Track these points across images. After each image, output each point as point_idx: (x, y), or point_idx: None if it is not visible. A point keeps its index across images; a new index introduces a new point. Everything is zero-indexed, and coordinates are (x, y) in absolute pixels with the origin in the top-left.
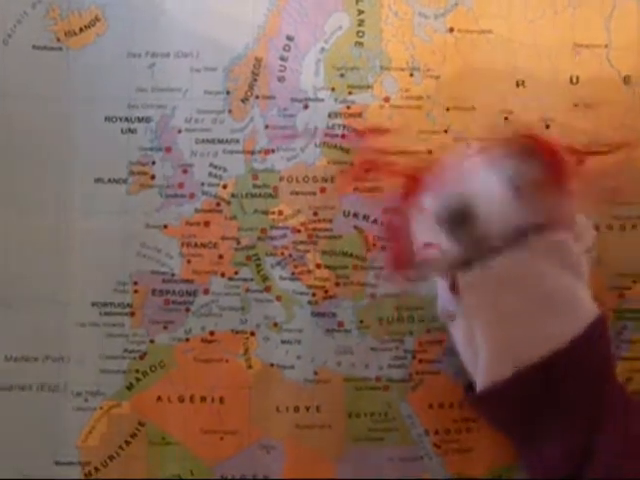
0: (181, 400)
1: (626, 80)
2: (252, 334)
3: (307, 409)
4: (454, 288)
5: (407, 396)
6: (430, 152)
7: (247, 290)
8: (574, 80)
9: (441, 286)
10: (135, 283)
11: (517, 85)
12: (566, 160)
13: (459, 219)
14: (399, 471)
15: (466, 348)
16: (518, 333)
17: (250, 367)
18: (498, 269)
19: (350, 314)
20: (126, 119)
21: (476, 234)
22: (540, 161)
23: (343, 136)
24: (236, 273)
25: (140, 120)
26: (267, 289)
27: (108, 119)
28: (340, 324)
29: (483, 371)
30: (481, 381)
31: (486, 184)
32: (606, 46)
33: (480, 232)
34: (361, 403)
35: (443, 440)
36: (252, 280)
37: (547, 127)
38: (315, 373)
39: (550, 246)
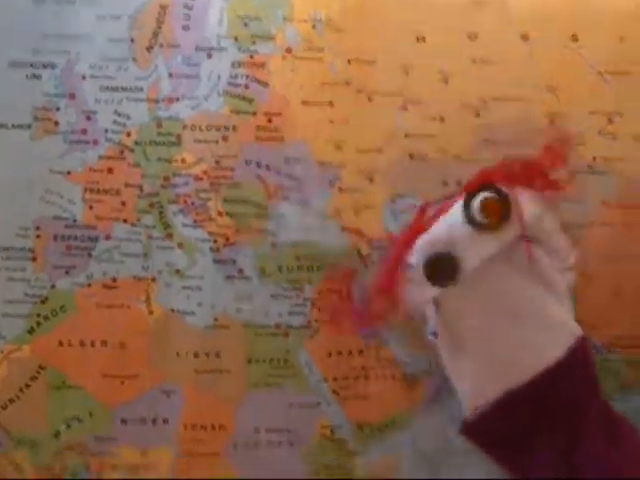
0: (82, 344)
1: (524, 37)
2: (153, 280)
3: (207, 355)
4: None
5: (306, 343)
6: (331, 104)
7: (149, 237)
8: (473, 36)
9: (429, 308)
10: (37, 228)
11: (417, 40)
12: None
13: (438, 267)
14: (298, 417)
15: (452, 368)
16: (500, 353)
17: (151, 313)
18: (475, 285)
19: (250, 261)
20: (31, 65)
21: (456, 274)
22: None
23: (246, 86)
24: (138, 220)
25: (45, 66)
26: (169, 236)
27: (13, 65)
28: (240, 271)
29: (469, 392)
30: (467, 403)
31: (456, 225)
32: (504, 3)
33: (460, 271)
34: (260, 349)
35: (341, 387)
36: (154, 227)
37: (446, 82)
38: (215, 319)
39: (522, 259)
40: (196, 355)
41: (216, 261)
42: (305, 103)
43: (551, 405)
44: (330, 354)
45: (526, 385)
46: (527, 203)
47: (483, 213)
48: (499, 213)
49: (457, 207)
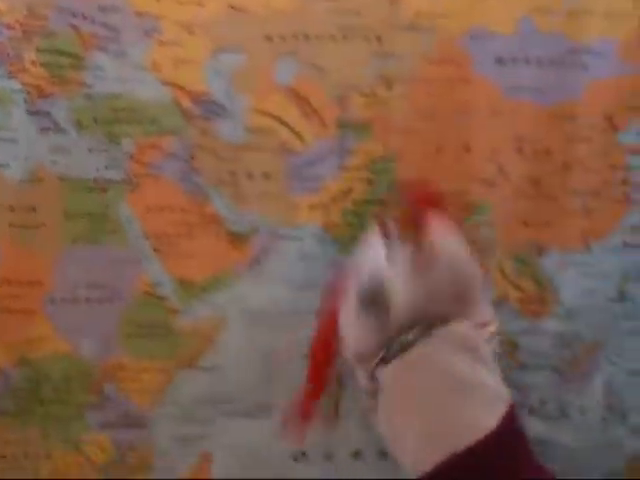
0: None
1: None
2: None
3: (22, 209)
4: (374, 390)
5: (125, 198)
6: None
7: None
8: None
9: (360, 376)
10: None
11: None
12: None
13: (371, 299)
14: (119, 273)
15: (391, 439)
16: (438, 423)
17: None
18: (412, 358)
19: (66, 114)
20: None
21: (388, 314)
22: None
23: None
24: None
25: None
26: None
27: None
28: (56, 124)
29: (408, 456)
30: (407, 463)
31: (379, 263)
32: None
33: (391, 311)
34: (78, 204)
35: (163, 243)
36: None
37: None
38: (30, 173)
39: (455, 338)
40: (11, 209)
41: (30, 113)
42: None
43: (488, 473)
44: (150, 209)
45: (464, 454)
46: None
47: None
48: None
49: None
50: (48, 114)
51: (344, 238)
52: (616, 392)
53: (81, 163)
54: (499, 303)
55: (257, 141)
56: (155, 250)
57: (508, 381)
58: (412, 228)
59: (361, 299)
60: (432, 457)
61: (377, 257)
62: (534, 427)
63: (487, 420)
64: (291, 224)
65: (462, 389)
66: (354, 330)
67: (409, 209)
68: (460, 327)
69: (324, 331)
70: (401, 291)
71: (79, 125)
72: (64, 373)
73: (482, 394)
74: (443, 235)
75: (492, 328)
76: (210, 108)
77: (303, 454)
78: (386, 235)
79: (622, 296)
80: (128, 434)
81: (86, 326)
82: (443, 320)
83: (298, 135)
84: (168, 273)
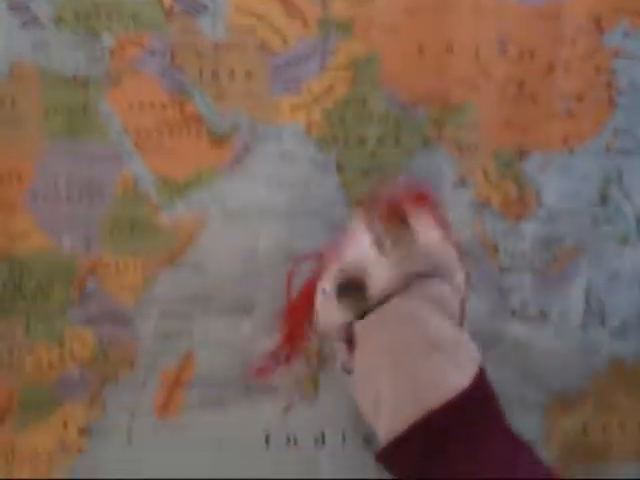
0: None
1: None
2: None
3: (2, 104)
4: (350, 343)
5: (106, 94)
6: None
7: None
8: None
9: (338, 344)
10: None
11: None
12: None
13: (348, 289)
14: (99, 170)
15: (364, 402)
16: (411, 380)
17: None
18: (389, 311)
19: (46, 8)
20: None
21: (365, 297)
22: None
23: None
24: None
25: None
26: None
27: None
28: (35, 18)
29: (384, 421)
30: (382, 431)
31: (362, 250)
32: None
33: (368, 294)
34: (58, 100)
35: (144, 140)
36: None
37: None
38: (10, 68)
39: (432, 294)
40: None
41: (11, 7)
42: None
43: (461, 432)
44: (132, 106)
45: (438, 413)
46: (432, 232)
47: (390, 239)
48: (406, 241)
49: (363, 231)
50: (28, 8)
51: (325, 138)
52: (596, 296)
53: (61, 58)
54: (482, 206)
55: (239, 40)
56: (136, 147)
57: (490, 283)
58: (395, 218)
59: (339, 285)
60: (407, 417)
61: (360, 243)
62: (515, 330)
63: (460, 379)
64: (272, 123)
65: (436, 345)
66: (327, 312)
67: (393, 203)
68: (436, 285)
69: (302, 297)
70: (380, 277)
71: (59, 20)
72: (46, 269)
73: (455, 352)
74: (423, 225)
75: (463, 291)
76: (191, 5)
77: None
78: (371, 222)
79: (604, 200)
80: (111, 330)
81: (67, 222)
82: (419, 279)
83: (280, 34)
84: (149, 170)
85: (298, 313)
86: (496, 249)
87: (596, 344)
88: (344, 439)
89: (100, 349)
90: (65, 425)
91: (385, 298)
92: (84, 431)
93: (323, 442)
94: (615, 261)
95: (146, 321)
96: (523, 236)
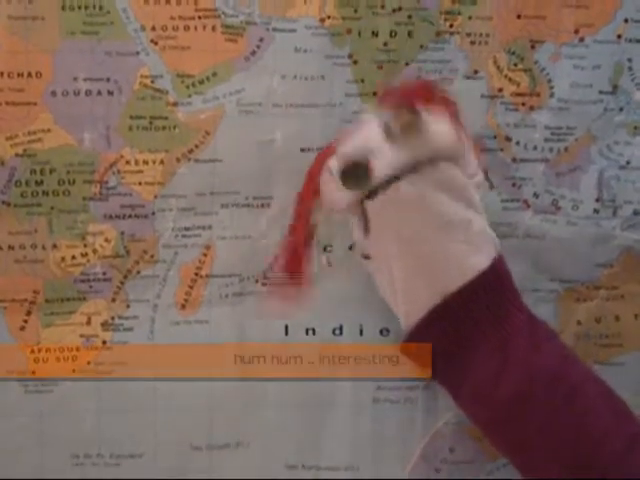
0: None
1: None
2: None
3: (19, 0)
4: (366, 227)
5: None
6: None
7: None
8: None
9: (355, 230)
10: None
11: None
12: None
13: (351, 169)
14: (117, 66)
15: (383, 287)
16: (426, 262)
17: None
18: (399, 193)
19: None
20: None
21: (368, 177)
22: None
23: None
24: None
25: None
26: None
27: None
28: None
29: (401, 307)
30: (402, 318)
31: (369, 134)
32: None
33: (373, 175)
34: None
35: (160, 36)
36: None
37: None
38: None
39: (442, 177)
40: (8, 1)
41: None
42: None
43: (480, 314)
44: (148, 1)
45: (455, 294)
46: (441, 123)
47: (399, 126)
48: (414, 127)
49: (373, 120)
50: None
51: (338, 30)
52: (608, 186)
53: None
54: (494, 97)
55: None
56: (152, 42)
57: (502, 175)
58: (406, 108)
59: (343, 165)
60: (424, 303)
61: (369, 129)
62: (528, 220)
63: (477, 260)
64: (286, 16)
65: (449, 226)
66: (331, 190)
67: (405, 94)
68: (448, 168)
69: (307, 187)
70: (385, 159)
71: None
72: (67, 165)
73: (469, 232)
74: (434, 115)
75: (479, 179)
76: None
77: None
78: (381, 111)
79: (615, 89)
80: (131, 225)
81: (87, 119)
82: (431, 163)
83: None
84: (166, 66)
85: (306, 192)
86: (509, 140)
87: (608, 234)
88: (361, 332)
89: (121, 244)
90: (89, 320)
91: (392, 179)
92: (107, 326)
93: (341, 333)
94: (627, 150)
95: (166, 216)
96: (535, 127)
